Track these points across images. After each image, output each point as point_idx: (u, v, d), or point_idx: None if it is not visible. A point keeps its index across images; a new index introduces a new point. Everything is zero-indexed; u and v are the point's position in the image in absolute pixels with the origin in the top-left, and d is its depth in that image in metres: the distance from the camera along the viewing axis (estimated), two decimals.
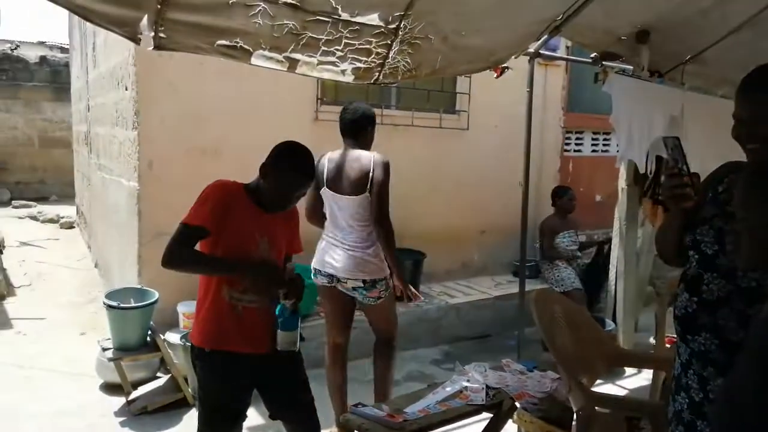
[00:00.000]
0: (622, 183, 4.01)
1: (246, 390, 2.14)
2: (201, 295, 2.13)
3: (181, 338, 3.47)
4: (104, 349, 3.38)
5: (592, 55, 4.03)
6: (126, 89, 4.23)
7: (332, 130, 4.57)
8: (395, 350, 3.12)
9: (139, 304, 3.34)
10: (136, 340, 3.31)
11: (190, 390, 3.38)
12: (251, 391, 2.18)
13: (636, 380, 4.03)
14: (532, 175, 4.19)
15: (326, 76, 2.60)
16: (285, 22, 2.30)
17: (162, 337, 3.52)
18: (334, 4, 2.34)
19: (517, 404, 2.51)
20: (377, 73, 2.72)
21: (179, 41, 2.24)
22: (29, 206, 10.48)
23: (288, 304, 2.04)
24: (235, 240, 2.03)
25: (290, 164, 2.10)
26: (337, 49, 2.51)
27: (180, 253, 1.96)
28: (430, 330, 4.59)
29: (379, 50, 2.62)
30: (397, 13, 2.50)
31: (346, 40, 2.50)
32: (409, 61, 2.77)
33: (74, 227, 8.99)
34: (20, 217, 9.83)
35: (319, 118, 4.55)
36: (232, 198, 2.07)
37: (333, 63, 2.56)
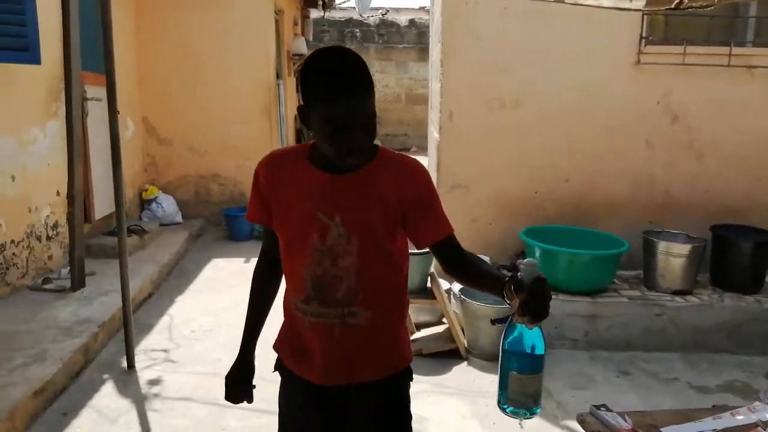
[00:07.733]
0: None
1: (319, 425, 1.46)
2: None
3: (459, 290, 3.48)
4: None
5: None
6: (439, 42, 4.32)
7: (659, 75, 3.83)
8: None
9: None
10: (416, 285, 3.45)
11: (465, 342, 3.40)
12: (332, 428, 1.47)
13: None
14: None
15: (606, 3, 2.12)
16: None
17: (444, 286, 3.59)
18: None
19: None
20: None
21: None
22: None
23: (524, 323, 1.16)
24: (288, 230, 1.34)
25: (316, 78, 1.17)
26: None
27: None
28: None
29: None
30: None
31: None
32: None
33: None
34: None
35: (642, 62, 3.84)
36: (275, 170, 1.35)
37: None
